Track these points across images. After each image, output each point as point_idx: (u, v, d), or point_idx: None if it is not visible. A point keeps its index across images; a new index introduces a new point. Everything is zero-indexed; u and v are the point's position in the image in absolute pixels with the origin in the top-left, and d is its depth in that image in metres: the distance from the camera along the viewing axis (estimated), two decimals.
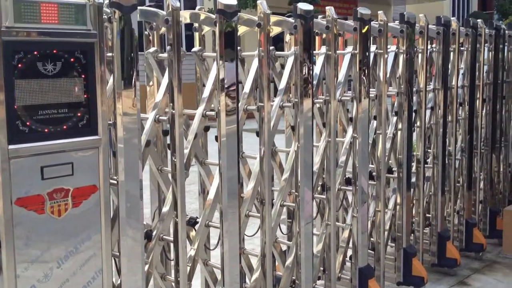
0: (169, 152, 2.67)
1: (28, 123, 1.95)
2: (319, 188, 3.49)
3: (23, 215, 1.94)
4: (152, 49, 2.74)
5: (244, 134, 2.98)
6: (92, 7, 2.06)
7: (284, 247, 3.26)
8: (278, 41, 3.21)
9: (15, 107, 1.91)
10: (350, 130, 3.47)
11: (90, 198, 2.11)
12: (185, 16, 2.78)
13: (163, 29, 2.82)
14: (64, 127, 2.04)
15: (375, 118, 3.68)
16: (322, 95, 3.36)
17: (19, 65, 1.91)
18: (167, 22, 2.40)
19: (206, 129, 2.86)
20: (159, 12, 2.57)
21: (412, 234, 4.19)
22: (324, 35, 3.40)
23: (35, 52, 1.94)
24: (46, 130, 1.99)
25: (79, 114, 2.07)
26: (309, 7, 2.83)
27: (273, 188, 3.08)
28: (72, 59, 2.03)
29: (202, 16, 2.83)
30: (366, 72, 3.35)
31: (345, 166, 3.48)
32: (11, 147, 1.90)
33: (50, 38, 1.97)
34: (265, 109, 2.80)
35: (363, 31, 3.28)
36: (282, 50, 3.19)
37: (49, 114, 2.00)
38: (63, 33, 2.00)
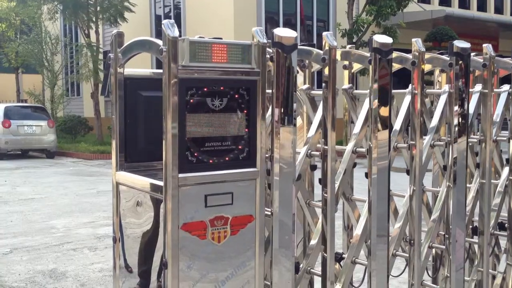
0: (315, 186, 2.71)
1: (196, 154, 2.11)
2: (469, 232, 3.32)
3: (187, 240, 2.09)
4: (305, 86, 2.83)
5: None
6: (257, 47, 2.19)
7: None
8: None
9: (186, 139, 2.07)
10: (505, 172, 3.29)
11: (246, 227, 2.22)
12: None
13: (315, 67, 2.92)
14: (227, 158, 2.17)
15: None
16: (474, 135, 3.23)
17: (191, 101, 2.08)
18: (324, 60, 2.48)
19: (353, 165, 2.87)
20: (314, 51, 2.66)
21: None
22: (477, 73, 3.29)
23: (205, 89, 2.11)
24: (211, 161, 2.14)
25: (240, 147, 2.20)
26: (466, 44, 2.77)
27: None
28: (236, 95, 2.18)
29: (354, 54, 2.87)
30: None
31: (499, 209, 3.29)
32: (181, 175, 2.06)
33: (219, 76, 2.13)
34: (416, 147, 2.76)
35: None
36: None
37: (214, 146, 2.15)
38: (230, 71, 2.15)
